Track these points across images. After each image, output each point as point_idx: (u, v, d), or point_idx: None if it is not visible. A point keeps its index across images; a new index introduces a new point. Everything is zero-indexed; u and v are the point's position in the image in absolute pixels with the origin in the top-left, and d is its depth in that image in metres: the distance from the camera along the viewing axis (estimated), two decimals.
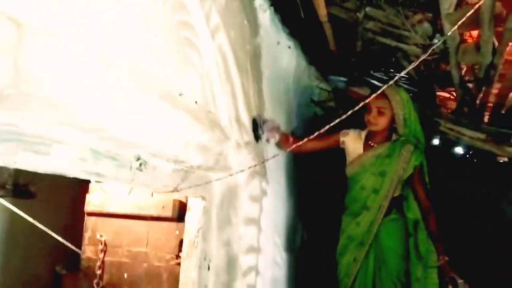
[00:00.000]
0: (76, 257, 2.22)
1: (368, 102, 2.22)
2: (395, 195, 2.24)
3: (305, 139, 1.52)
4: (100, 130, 1.07)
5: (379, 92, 1.57)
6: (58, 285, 3.49)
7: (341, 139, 2.35)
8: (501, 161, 3.77)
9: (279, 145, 2.19)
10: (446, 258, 2.09)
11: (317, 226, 3.05)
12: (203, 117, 1.47)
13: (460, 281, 2.02)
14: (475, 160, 4.09)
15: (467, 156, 4.11)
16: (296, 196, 2.67)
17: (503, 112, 2.71)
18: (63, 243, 2.71)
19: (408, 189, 2.25)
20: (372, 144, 2.29)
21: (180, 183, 1.56)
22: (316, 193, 3.07)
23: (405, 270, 2.20)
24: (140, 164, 1.32)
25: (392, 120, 2.24)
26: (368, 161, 2.26)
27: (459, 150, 3.95)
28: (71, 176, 1.02)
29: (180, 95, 1.31)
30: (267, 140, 2.08)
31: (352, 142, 2.33)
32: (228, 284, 1.81)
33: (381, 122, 2.23)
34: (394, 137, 2.28)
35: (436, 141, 3.83)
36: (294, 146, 2.16)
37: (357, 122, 2.38)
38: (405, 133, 2.24)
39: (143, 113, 1.21)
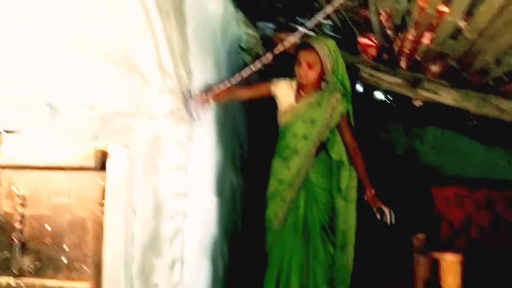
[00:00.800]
0: None
1: (298, 55, 2.28)
2: (322, 140, 2.36)
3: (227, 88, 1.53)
4: (9, 77, 0.99)
5: (301, 34, 1.59)
6: None
7: (272, 88, 2.39)
8: (417, 105, 4.07)
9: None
10: (373, 191, 2.29)
11: (247, 171, 3.14)
12: (119, 61, 1.41)
13: (386, 209, 2.23)
14: (394, 105, 4.39)
15: (387, 100, 4.39)
16: (226, 143, 2.70)
17: (417, 57, 2.88)
18: None
19: (333, 132, 2.38)
20: (303, 94, 2.36)
21: (99, 131, 1.51)
22: (246, 138, 3.13)
23: (331, 204, 2.39)
24: (52, 110, 1.25)
25: (322, 71, 2.30)
26: (301, 110, 2.34)
27: (379, 95, 4.21)
28: None
29: (94, 38, 1.24)
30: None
31: (283, 92, 2.38)
32: (155, 228, 1.83)
33: (311, 75, 2.29)
34: (323, 86, 2.36)
35: (359, 87, 4.04)
36: (221, 95, 2.20)
37: (287, 69, 2.42)
38: (333, 81, 2.33)
39: (52, 57, 1.13)
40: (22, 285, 1.92)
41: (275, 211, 2.36)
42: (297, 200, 2.37)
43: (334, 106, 2.31)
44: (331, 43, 2.32)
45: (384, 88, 3.27)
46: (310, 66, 2.27)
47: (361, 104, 4.09)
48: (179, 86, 1.99)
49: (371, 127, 4.27)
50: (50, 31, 1.10)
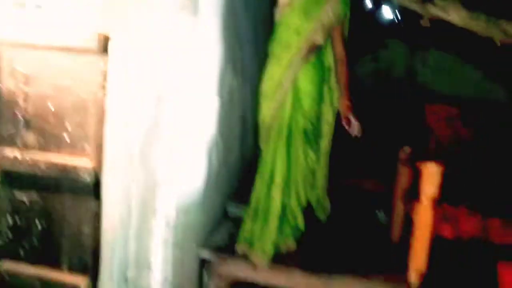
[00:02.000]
0: None
1: None
2: (316, 42, 2.33)
3: None
4: None
5: None
6: None
7: None
8: (423, 25, 3.98)
9: None
10: (347, 102, 2.35)
11: (246, 74, 3.15)
12: None
13: (355, 122, 2.33)
14: (399, 25, 4.31)
15: (395, 19, 4.29)
16: (228, 44, 2.67)
17: None
18: None
19: (328, 38, 2.36)
20: None
21: (102, 14, 1.50)
22: (248, 40, 3.09)
23: (316, 110, 2.41)
24: None
25: None
26: (298, 2, 2.28)
27: (386, 13, 4.10)
28: None
29: None
30: None
31: None
32: (157, 115, 1.92)
33: None
34: None
35: (368, 3, 3.91)
36: None
37: None
38: None
39: None
40: (27, 158, 2.03)
41: (267, 109, 2.41)
42: (284, 103, 2.39)
43: (334, 6, 2.26)
44: None
45: (393, 3, 3.18)
46: None
47: (366, 21, 4.03)
48: None
49: (374, 46, 4.23)
50: None
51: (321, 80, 2.40)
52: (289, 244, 2.40)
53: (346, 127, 2.35)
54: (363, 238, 2.55)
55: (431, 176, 2.10)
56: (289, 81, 2.33)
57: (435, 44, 4.14)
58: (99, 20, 1.88)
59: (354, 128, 2.33)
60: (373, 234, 2.56)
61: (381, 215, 2.69)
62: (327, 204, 2.61)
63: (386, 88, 4.01)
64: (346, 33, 2.39)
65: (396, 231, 2.46)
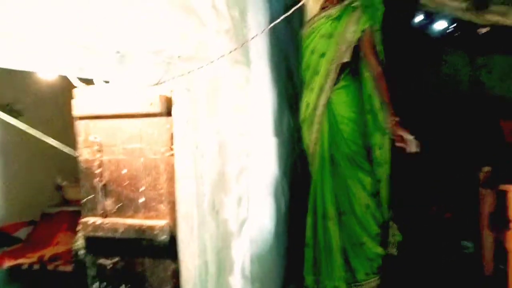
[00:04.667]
0: (74, 168, 2.30)
1: None
2: (343, 60, 2.25)
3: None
4: (77, 24, 1.06)
5: None
6: (61, 196, 3.68)
7: None
8: (481, 32, 3.78)
9: None
10: (396, 119, 2.18)
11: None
12: (177, 4, 1.44)
13: (410, 137, 2.13)
14: (456, 34, 4.11)
15: (449, 30, 4.11)
16: (281, 84, 2.71)
17: None
18: (59, 156, 2.79)
19: (361, 59, 2.27)
20: (326, 5, 2.28)
21: (163, 75, 1.58)
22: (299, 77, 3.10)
23: (361, 133, 2.30)
24: (121, 57, 1.32)
25: None
26: (319, 22, 2.25)
27: (441, 25, 3.94)
28: (55, 72, 1.03)
29: None
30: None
31: (312, 1, 2.31)
32: (221, 166, 1.93)
33: None
34: (347, 0, 2.24)
35: (420, 17, 3.79)
36: None
37: None
38: None
39: (118, 4, 1.19)
40: (107, 223, 2.13)
41: (308, 136, 2.35)
42: (322, 128, 2.32)
43: (355, 22, 2.18)
44: None
45: (446, 14, 3.06)
46: None
47: (422, 35, 3.89)
48: (233, 27, 2.00)
49: (432, 59, 4.07)
50: None
51: (360, 104, 2.30)
52: (371, 281, 2.28)
53: (400, 145, 2.17)
54: (451, 271, 2.36)
55: None
56: (323, 106, 2.26)
57: (497, 49, 3.90)
58: (160, 81, 1.98)
59: (410, 144, 2.14)
60: (462, 267, 2.36)
61: (468, 245, 2.49)
62: (396, 234, 2.44)
63: (452, 101, 3.80)
64: (379, 47, 2.29)
65: (488, 262, 2.26)
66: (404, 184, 2.44)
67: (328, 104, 2.28)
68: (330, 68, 2.24)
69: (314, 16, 2.27)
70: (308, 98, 2.32)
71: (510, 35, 3.15)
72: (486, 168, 2.56)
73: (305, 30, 2.31)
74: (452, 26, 3.95)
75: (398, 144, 2.17)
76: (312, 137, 2.33)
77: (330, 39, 2.22)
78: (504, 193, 2.03)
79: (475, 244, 2.55)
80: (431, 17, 3.65)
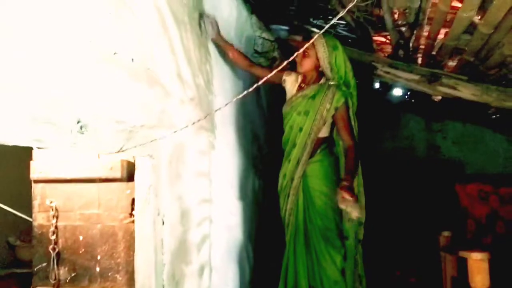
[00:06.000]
0: (29, 226, 2.20)
1: (298, 45, 2.32)
2: (320, 135, 2.36)
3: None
4: (36, 95, 1.06)
5: (316, 37, 1.62)
6: (13, 256, 3.45)
7: (284, 77, 2.51)
8: (436, 99, 4.03)
9: (220, 45, 2.36)
10: (346, 184, 2.13)
11: (270, 173, 3.17)
12: (141, 75, 1.47)
13: (350, 198, 2.05)
14: (412, 101, 4.37)
15: (406, 97, 4.37)
16: (247, 147, 2.74)
17: (433, 53, 2.86)
18: (13, 214, 2.66)
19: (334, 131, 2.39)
20: (303, 86, 2.44)
21: (125, 143, 1.57)
22: (264, 139, 3.16)
23: (333, 209, 2.30)
24: (81, 127, 1.31)
25: (319, 63, 2.38)
26: (296, 101, 2.40)
27: (397, 92, 4.19)
28: (9, 144, 1.01)
29: (114, 54, 1.29)
30: (206, 27, 2.21)
31: (290, 83, 2.49)
32: (183, 234, 1.89)
33: (305, 64, 2.39)
34: (322, 80, 2.40)
35: (376, 85, 4.03)
36: (238, 58, 2.40)
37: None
38: (333, 77, 2.35)
39: (79, 75, 1.20)
40: None
41: (284, 206, 2.38)
42: (297, 201, 2.36)
43: (330, 100, 2.32)
44: (331, 39, 2.39)
45: (401, 85, 3.27)
46: (305, 55, 2.36)
47: (379, 101, 4.11)
48: (198, 95, 2.04)
49: (390, 124, 4.26)
50: (73, 51, 1.16)
51: (332, 177, 2.36)
52: None
53: (341, 207, 2.12)
54: None
55: (478, 266, 1.96)
56: (298, 178, 2.33)
57: (452, 115, 4.15)
58: (122, 148, 1.96)
59: (352, 209, 2.08)
60: None
61: None
62: None
63: (410, 166, 3.95)
64: (353, 121, 2.39)
65: None
66: (369, 247, 2.45)
67: (304, 176, 2.34)
68: (307, 142, 2.34)
69: (292, 97, 2.43)
70: (285, 169, 2.40)
71: (462, 104, 3.37)
72: (446, 233, 2.63)
73: (286, 109, 2.46)
74: (409, 93, 4.20)
75: (340, 206, 2.13)
76: (287, 207, 2.36)
77: (307, 116, 2.36)
78: (465, 260, 2.07)
79: None
80: (389, 85, 3.87)
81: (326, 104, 2.32)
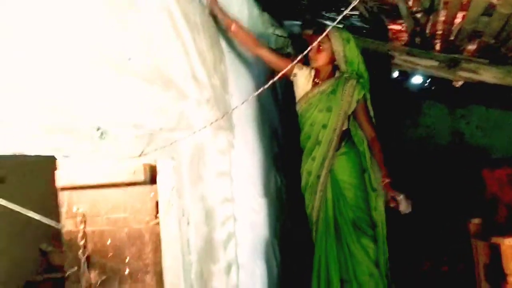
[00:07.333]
0: (59, 233, 2.25)
1: (311, 39, 2.31)
2: (343, 128, 2.34)
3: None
4: (53, 104, 1.08)
5: (329, 29, 1.62)
6: (46, 262, 3.56)
7: (295, 70, 2.44)
8: (457, 85, 3.93)
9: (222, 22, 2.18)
10: (387, 180, 2.25)
11: (289, 169, 3.17)
12: (156, 79, 1.49)
13: (399, 197, 2.16)
14: (433, 88, 4.27)
15: (426, 84, 4.28)
16: (266, 144, 2.74)
17: (452, 38, 2.79)
18: (44, 223, 2.73)
19: (354, 122, 2.38)
20: (317, 82, 2.40)
21: (145, 147, 1.59)
22: (284, 136, 3.16)
23: (364, 199, 2.34)
24: (101, 134, 1.34)
25: (334, 57, 2.35)
26: (314, 98, 2.36)
27: (417, 79, 4.11)
28: (29, 153, 1.03)
29: (129, 59, 1.32)
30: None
31: (303, 78, 2.43)
32: (208, 234, 1.90)
33: (320, 58, 2.35)
34: (337, 74, 2.38)
35: (395, 74, 3.97)
36: (241, 34, 2.21)
37: None
38: (347, 70, 2.33)
39: (95, 83, 1.22)
40: None
41: (310, 204, 2.37)
42: (326, 194, 2.35)
43: (351, 93, 2.30)
44: (344, 33, 2.37)
45: (420, 73, 3.20)
46: (319, 49, 2.30)
47: (399, 90, 4.04)
48: (214, 95, 2.06)
49: (411, 113, 4.19)
50: (88, 58, 1.18)
51: (360, 168, 2.36)
52: None
53: (394, 207, 2.21)
54: None
55: None
56: (325, 174, 2.31)
57: (474, 100, 4.04)
58: (143, 153, 1.99)
59: (403, 205, 2.18)
60: None
61: None
62: None
63: (433, 154, 3.86)
64: (371, 112, 2.41)
65: None
66: (395, 242, 2.42)
67: (331, 170, 2.33)
68: (333, 138, 2.33)
69: (308, 93, 2.38)
70: (309, 167, 2.37)
71: (484, 88, 3.28)
72: (476, 220, 2.57)
73: (302, 106, 2.41)
74: (429, 80, 4.11)
75: (392, 205, 2.21)
76: (315, 204, 2.36)
77: (330, 112, 2.33)
78: (498, 246, 2.02)
79: None
80: (408, 74, 3.80)
81: (348, 98, 2.31)
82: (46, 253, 3.56)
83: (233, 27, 2.17)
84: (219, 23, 2.19)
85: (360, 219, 2.30)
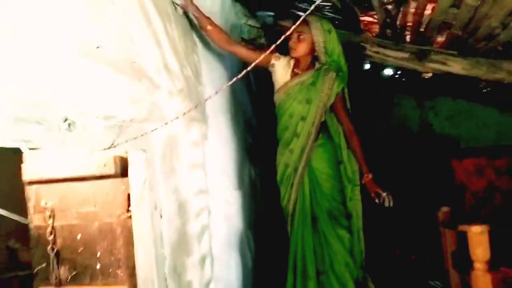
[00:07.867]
0: (27, 229, 2.18)
1: (287, 30, 2.30)
2: (321, 120, 2.36)
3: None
4: (19, 95, 1.03)
5: (301, 19, 1.60)
6: (15, 259, 3.44)
7: (273, 61, 2.41)
8: (427, 77, 4.03)
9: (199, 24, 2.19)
10: (370, 176, 2.30)
11: (265, 161, 3.16)
12: (127, 69, 1.44)
13: (383, 194, 2.24)
14: (403, 79, 4.36)
15: (396, 76, 4.35)
16: (240, 136, 2.73)
17: (421, 30, 2.84)
18: (10, 218, 2.64)
19: (330, 114, 2.39)
20: (297, 72, 2.38)
21: (115, 138, 1.55)
22: (258, 128, 3.15)
23: (339, 190, 2.37)
24: (69, 125, 1.29)
25: (314, 48, 2.33)
26: (293, 89, 2.34)
27: (388, 71, 4.18)
28: None
29: (97, 48, 1.27)
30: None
31: (281, 68, 2.40)
32: (182, 226, 1.88)
33: (301, 48, 2.32)
34: (317, 65, 2.37)
35: (367, 66, 4.02)
36: (214, 32, 2.18)
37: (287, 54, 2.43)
38: (327, 61, 2.33)
39: (63, 72, 1.17)
40: None
41: (287, 196, 2.37)
42: (303, 186, 2.36)
43: (330, 86, 2.31)
44: (326, 23, 2.35)
45: (391, 64, 3.25)
46: (300, 39, 2.30)
47: (370, 81, 4.10)
48: (187, 86, 2.02)
49: (382, 104, 4.26)
50: (55, 46, 1.13)
51: (335, 159, 2.38)
52: None
53: (377, 201, 2.27)
54: None
55: (478, 239, 1.97)
56: (303, 166, 2.32)
57: (443, 92, 4.15)
58: (114, 144, 1.94)
59: (385, 200, 2.25)
60: None
61: (437, 284, 2.51)
62: (370, 284, 2.43)
63: (404, 145, 3.95)
64: (348, 104, 2.44)
65: None
66: (369, 232, 2.46)
67: (308, 161, 2.33)
68: (312, 130, 2.32)
69: (287, 83, 2.36)
70: (287, 159, 2.36)
71: (452, 80, 3.37)
72: (445, 208, 2.64)
73: (280, 96, 2.38)
74: (399, 72, 4.19)
75: (376, 200, 2.26)
76: (292, 196, 2.35)
77: (309, 104, 2.31)
78: (464, 234, 2.08)
79: (443, 283, 2.57)
80: (380, 65, 3.85)
81: (328, 91, 2.31)
82: (14, 250, 3.44)
83: (208, 26, 2.18)
84: (193, 20, 2.17)
85: (335, 209, 2.32)
